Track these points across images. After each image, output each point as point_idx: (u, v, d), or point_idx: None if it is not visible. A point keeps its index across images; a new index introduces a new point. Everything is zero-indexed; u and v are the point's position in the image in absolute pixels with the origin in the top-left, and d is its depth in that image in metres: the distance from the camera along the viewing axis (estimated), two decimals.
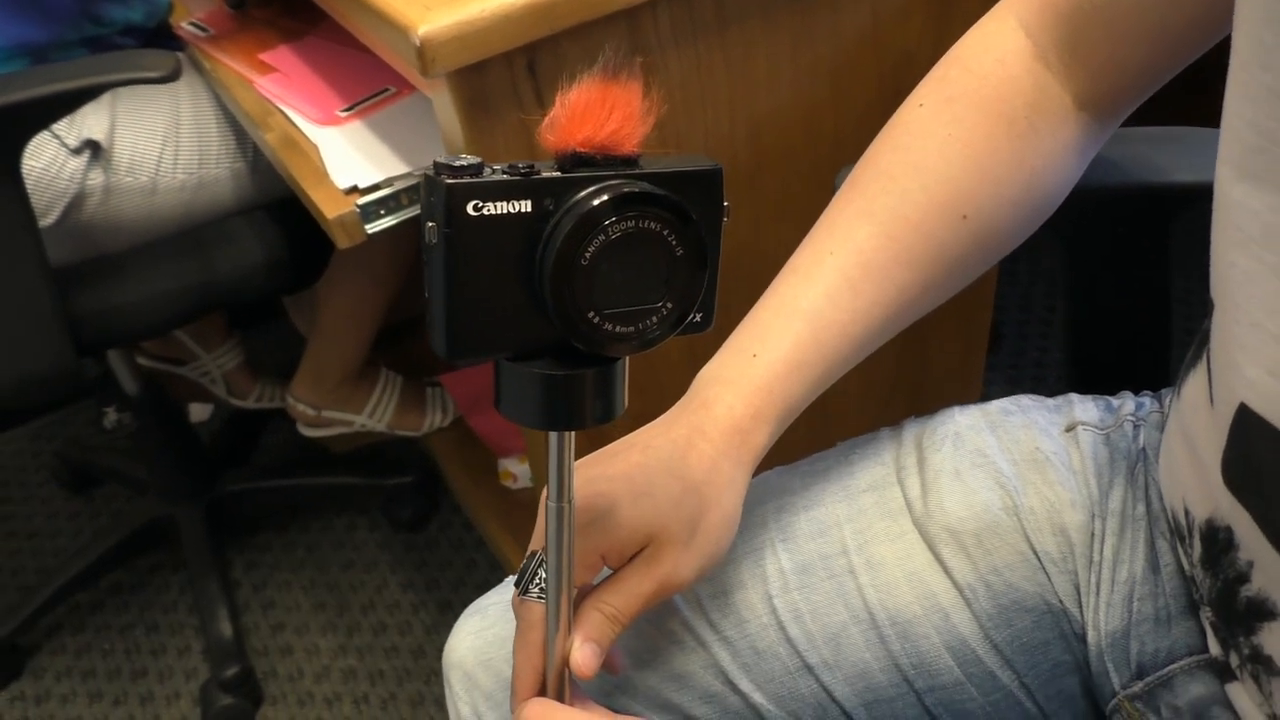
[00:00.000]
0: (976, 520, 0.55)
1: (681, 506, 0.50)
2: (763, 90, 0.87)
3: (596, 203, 0.37)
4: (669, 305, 0.40)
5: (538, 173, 0.38)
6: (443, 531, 1.54)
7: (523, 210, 0.38)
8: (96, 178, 1.01)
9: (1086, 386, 0.63)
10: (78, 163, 1.00)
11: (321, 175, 0.85)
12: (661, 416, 0.55)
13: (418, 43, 0.67)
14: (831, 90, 0.91)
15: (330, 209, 0.81)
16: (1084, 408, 0.59)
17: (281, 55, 1.04)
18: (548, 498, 0.45)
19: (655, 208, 0.38)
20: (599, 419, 0.42)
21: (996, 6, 0.58)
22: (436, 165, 0.37)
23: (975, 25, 0.58)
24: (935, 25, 0.92)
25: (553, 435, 0.43)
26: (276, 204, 1.09)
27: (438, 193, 0.37)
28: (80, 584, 1.47)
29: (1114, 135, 0.59)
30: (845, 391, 1.02)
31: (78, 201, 1.01)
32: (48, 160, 0.98)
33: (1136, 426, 0.57)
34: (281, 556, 1.53)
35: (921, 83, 0.58)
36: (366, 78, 0.96)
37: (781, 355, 0.53)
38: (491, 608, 0.61)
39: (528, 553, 0.50)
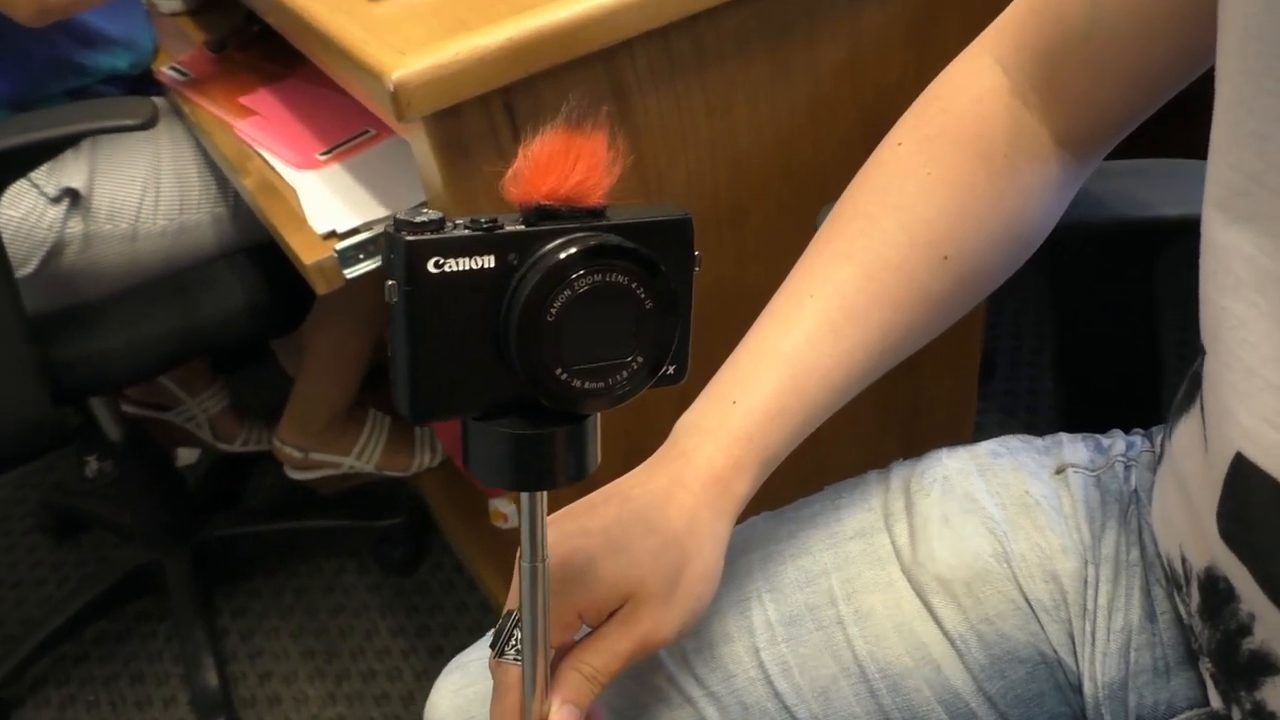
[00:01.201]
0: (967, 568, 0.53)
1: (661, 561, 0.48)
2: (743, 128, 0.86)
3: (561, 256, 0.36)
4: (639, 359, 0.39)
5: (501, 227, 0.37)
6: (433, 574, 1.52)
7: (486, 266, 0.37)
8: (76, 226, 1.00)
9: (1076, 422, 0.62)
10: (57, 211, 0.99)
11: (300, 220, 0.84)
12: (641, 466, 0.53)
13: (391, 88, 0.67)
14: (811, 125, 0.91)
15: (308, 254, 0.80)
16: (1073, 449, 0.58)
17: (261, 98, 1.03)
18: (521, 557, 0.44)
19: (622, 260, 0.37)
20: (571, 478, 0.41)
21: (973, 44, 0.57)
22: (396, 221, 0.36)
23: (953, 63, 0.58)
24: (916, 58, 0.92)
25: (524, 494, 0.42)
26: (258, 247, 1.08)
27: (397, 250, 0.36)
28: (65, 635, 1.44)
29: (1097, 169, 0.59)
30: (834, 424, 1.01)
31: (57, 250, 1.00)
32: (26, 209, 0.97)
33: (1128, 467, 0.56)
34: (270, 602, 1.51)
35: (899, 122, 0.58)
36: (346, 120, 0.96)
37: (761, 403, 0.52)
38: (473, 664, 0.59)
39: (504, 612, 0.48)
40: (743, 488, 0.51)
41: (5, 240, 0.95)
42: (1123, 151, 0.59)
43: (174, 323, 1.02)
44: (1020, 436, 0.60)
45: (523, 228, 0.37)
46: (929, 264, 0.53)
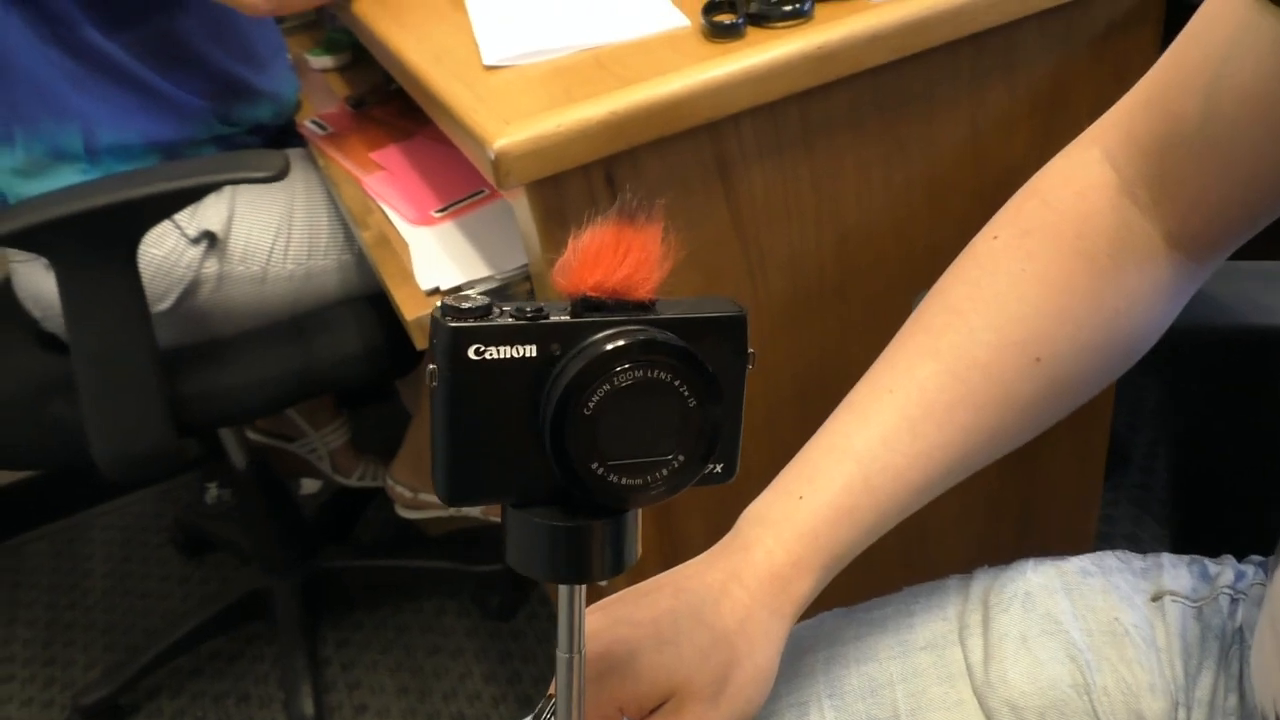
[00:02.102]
0: (1042, 696, 0.49)
1: (709, 658, 0.47)
2: (851, 203, 0.85)
3: (603, 350, 0.36)
4: (681, 457, 0.38)
5: (546, 316, 0.37)
6: (529, 623, 1.53)
7: (528, 355, 0.37)
8: (211, 266, 1.06)
9: (1188, 541, 0.57)
10: (195, 252, 1.05)
11: (407, 275, 0.86)
12: (701, 556, 0.52)
13: (493, 156, 0.68)
14: (927, 204, 0.88)
15: (410, 310, 0.82)
16: (1175, 574, 0.53)
17: (390, 154, 1.07)
18: (557, 648, 0.43)
19: (665, 356, 0.36)
20: (608, 572, 0.40)
21: (1082, 135, 0.54)
22: (443, 305, 0.36)
23: (1060, 154, 0.55)
24: (1041, 140, 0.88)
25: (561, 586, 0.41)
26: (379, 295, 1.12)
27: (440, 335, 0.36)
28: (181, 649, 1.51)
29: (1219, 270, 0.54)
30: (941, 508, 0.96)
31: (192, 288, 1.06)
32: (168, 249, 1.04)
33: (1235, 601, 0.51)
34: (372, 636, 1.55)
35: (997, 214, 0.55)
36: (464, 179, 0.98)
37: (829, 499, 0.50)
38: None
39: (546, 696, 0.48)
40: (803, 588, 0.49)
41: (147, 278, 1.01)
42: (1254, 250, 0.55)
43: (293, 363, 1.07)
44: (1118, 553, 0.56)
45: (567, 319, 0.37)
46: (1018, 365, 0.50)
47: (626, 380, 0.36)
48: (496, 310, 0.37)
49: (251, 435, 1.60)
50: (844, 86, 0.78)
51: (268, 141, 1.16)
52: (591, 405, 0.36)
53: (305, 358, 1.07)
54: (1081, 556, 0.56)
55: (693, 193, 0.78)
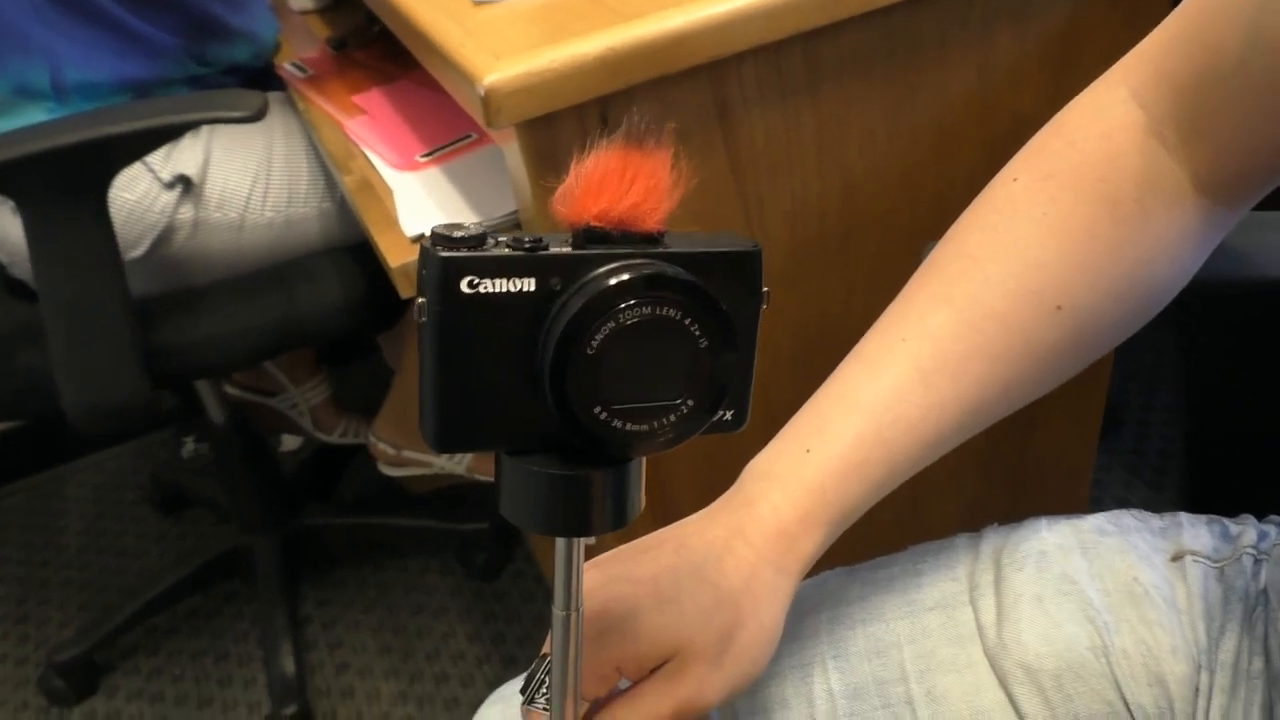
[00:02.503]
0: (1058, 658, 0.47)
1: (713, 618, 0.44)
2: (856, 151, 0.82)
3: (608, 284, 0.33)
4: (690, 402, 0.35)
5: (545, 247, 0.34)
6: (514, 582, 1.51)
7: (525, 289, 0.34)
8: (186, 212, 1.02)
9: (1204, 500, 0.55)
10: (169, 197, 1.01)
11: (392, 221, 0.83)
12: (703, 510, 0.50)
13: (483, 92, 0.65)
14: (934, 154, 0.85)
15: (394, 257, 0.79)
16: (1195, 533, 0.51)
17: (373, 98, 1.03)
18: (554, 604, 0.40)
19: (676, 292, 0.33)
20: (610, 525, 0.37)
21: (1108, 72, 0.51)
22: (433, 234, 0.33)
23: (1084, 92, 0.52)
24: (1052, 87, 0.85)
25: (559, 540, 0.39)
26: (361, 245, 1.09)
27: (430, 265, 0.33)
28: (158, 606, 1.48)
29: (1241, 221, 0.52)
30: (933, 469, 0.94)
31: (166, 235, 1.02)
32: (140, 193, 1.00)
33: (1258, 562, 0.49)
34: (354, 595, 1.52)
35: (1017, 155, 0.52)
36: (450, 123, 0.95)
37: (839, 452, 0.47)
38: (516, 697, 0.56)
39: (539, 655, 0.45)
40: (810, 545, 0.47)
41: (119, 223, 0.97)
42: (1273, 201, 0.52)
43: (272, 314, 1.03)
44: (1134, 512, 0.54)
45: (568, 250, 0.34)
46: (1037, 314, 0.48)
47: (633, 317, 0.33)
48: (492, 241, 0.34)
49: (230, 390, 1.56)
50: (853, 27, 0.75)
51: (245, 83, 1.12)
52: (595, 344, 0.33)
53: (285, 308, 1.04)
54: (1097, 515, 0.53)
55: (690, 137, 0.74)
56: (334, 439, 1.64)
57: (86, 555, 1.67)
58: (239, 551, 1.47)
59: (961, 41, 0.80)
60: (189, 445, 1.36)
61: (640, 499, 0.38)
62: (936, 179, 0.86)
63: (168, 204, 1.01)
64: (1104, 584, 0.49)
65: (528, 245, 0.34)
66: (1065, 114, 0.52)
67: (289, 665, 1.33)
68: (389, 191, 0.87)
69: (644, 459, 0.38)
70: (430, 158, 0.90)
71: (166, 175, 1.00)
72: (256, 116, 0.85)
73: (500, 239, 0.34)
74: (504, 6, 0.75)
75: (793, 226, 0.83)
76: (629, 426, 0.35)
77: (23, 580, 1.64)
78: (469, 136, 0.92)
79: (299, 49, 1.20)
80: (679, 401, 0.35)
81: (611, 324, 0.33)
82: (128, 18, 0.98)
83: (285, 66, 1.13)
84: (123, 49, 0.99)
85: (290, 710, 1.28)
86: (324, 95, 1.06)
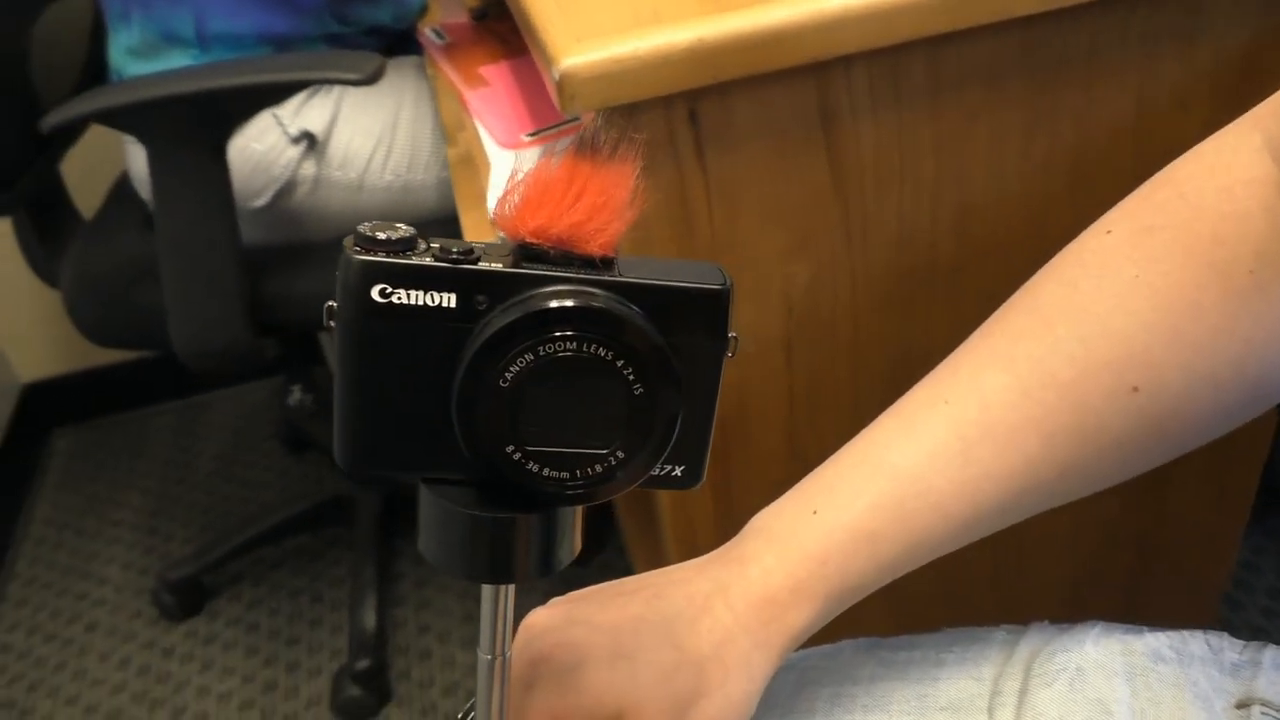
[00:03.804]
0: None
1: (670, 682, 0.40)
2: (979, 175, 0.74)
3: (529, 311, 0.29)
4: (620, 454, 0.31)
5: (475, 260, 0.30)
6: (603, 572, 1.49)
7: (445, 305, 0.30)
8: (309, 168, 1.04)
9: None
10: (294, 151, 1.03)
11: (480, 198, 0.81)
12: (698, 559, 0.45)
13: (558, 76, 0.61)
14: (1071, 186, 0.76)
15: (474, 237, 0.77)
16: (1276, 677, 0.43)
17: (499, 70, 1.02)
18: (479, 646, 0.37)
19: (604, 328, 0.29)
20: (533, 573, 0.34)
21: (1242, 117, 0.43)
22: (356, 234, 0.30)
23: (1210, 138, 0.44)
24: (1223, 121, 0.74)
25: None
26: None
27: (344, 268, 0.30)
28: (268, 539, 1.55)
29: None
30: (1048, 530, 0.84)
31: (288, 188, 1.04)
32: (269, 145, 1.02)
33: None
34: None
35: (1121, 203, 0.45)
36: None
37: (849, 519, 0.42)
38: None
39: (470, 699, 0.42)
40: (799, 620, 0.42)
41: (246, 171, 1.00)
42: None
43: None
44: (1211, 636, 0.46)
45: (498, 267, 0.30)
46: (1109, 392, 0.41)
47: (555, 352, 0.29)
48: (423, 246, 0.31)
49: None
50: (986, 36, 0.67)
51: (385, 45, 1.13)
52: (510, 376, 0.29)
53: None
54: (1161, 632, 0.45)
55: (789, 143, 0.69)
56: None
57: (215, 480, 1.76)
58: (345, 500, 1.51)
59: (1116, 60, 0.71)
60: (295, 394, 1.41)
61: (573, 544, 0.35)
62: (1072, 215, 0.76)
63: (292, 158, 1.03)
64: None
65: (455, 255, 0.30)
66: (1182, 161, 0.44)
67: (370, 620, 1.36)
68: (489, 167, 0.85)
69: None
70: (535, 137, 0.88)
71: (294, 130, 1.02)
72: (369, 81, 0.85)
73: (433, 245, 0.31)
74: None
75: (899, 250, 0.76)
76: (547, 472, 0.31)
77: (158, 495, 1.75)
78: (577, 118, 0.89)
79: (446, 14, 1.20)
80: (607, 451, 0.31)
81: (531, 356, 0.29)
82: None
83: (425, 32, 1.13)
84: (266, 3, 1.01)
85: (364, 664, 1.31)
86: (453, 64, 1.05)
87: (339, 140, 1.04)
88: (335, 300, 0.30)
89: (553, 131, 0.88)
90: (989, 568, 0.97)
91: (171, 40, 1.00)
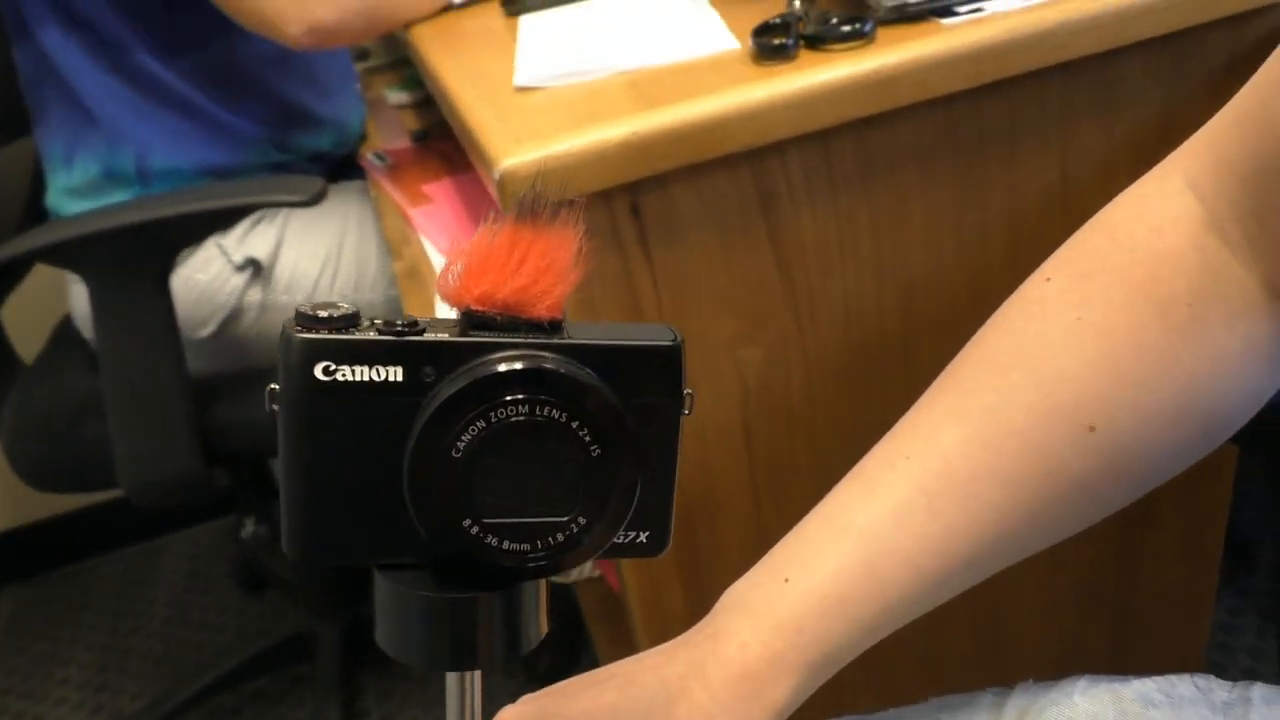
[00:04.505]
0: None
1: None
2: (918, 251, 0.75)
3: (477, 377, 0.28)
4: (581, 520, 0.30)
5: (420, 332, 0.30)
6: None
7: (391, 379, 0.29)
8: (255, 294, 1.03)
9: None
10: (239, 279, 1.02)
11: (429, 309, 0.81)
12: (667, 643, 0.43)
13: (498, 176, 0.62)
14: (1008, 256, 0.78)
15: None
16: (1270, 714, 0.42)
17: (442, 187, 1.03)
18: None
19: (557, 389, 0.29)
20: (499, 658, 0.32)
21: (1162, 162, 0.45)
22: (296, 312, 0.30)
23: (1134, 184, 0.45)
24: None
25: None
26: None
27: (286, 348, 0.29)
28: (225, 685, 1.48)
29: None
30: (1026, 604, 0.83)
31: (234, 316, 1.03)
32: (213, 274, 1.01)
33: None
34: (415, 689, 1.48)
35: (1055, 253, 0.46)
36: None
37: (820, 584, 0.41)
38: None
39: None
40: (782, 692, 0.40)
41: (190, 303, 0.99)
42: None
43: None
44: (1199, 679, 0.45)
45: (445, 337, 0.30)
46: (1066, 434, 0.41)
47: (510, 417, 0.29)
48: (367, 323, 0.30)
49: None
50: (908, 117, 0.69)
51: (328, 172, 1.14)
52: (462, 446, 0.29)
53: None
54: (1148, 679, 0.45)
55: (731, 230, 0.70)
56: None
57: (169, 627, 1.69)
58: (304, 636, 1.45)
59: (1037, 133, 0.73)
60: (249, 526, 1.37)
61: (541, 623, 0.33)
62: (1012, 280, 0.79)
63: (237, 286, 1.02)
64: None
65: (399, 329, 0.30)
66: (1110, 208, 0.45)
67: None
68: (435, 277, 0.86)
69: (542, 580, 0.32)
70: None
71: (238, 258, 1.02)
72: (311, 201, 0.86)
73: (375, 321, 0.30)
74: (544, 94, 0.73)
75: (847, 328, 0.77)
76: (507, 545, 0.30)
77: (105, 649, 1.67)
78: None
79: (386, 140, 1.22)
80: (568, 519, 0.30)
81: (482, 424, 0.29)
82: (215, 109, 1.02)
83: (367, 156, 1.15)
84: (208, 137, 1.02)
85: None
86: (396, 184, 1.06)
87: (284, 265, 1.04)
88: (277, 382, 0.30)
89: None
90: (971, 645, 0.95)
91: (113, 178, 1.00)
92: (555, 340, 0.30)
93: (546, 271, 0.30)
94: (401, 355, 0.29)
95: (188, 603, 1.74)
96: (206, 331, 1.02)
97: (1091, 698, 0.43)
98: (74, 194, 1.01)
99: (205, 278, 1.01)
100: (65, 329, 1.16)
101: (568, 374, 0.29)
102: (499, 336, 0.30)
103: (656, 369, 0.31)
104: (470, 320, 0.30)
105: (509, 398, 0.28)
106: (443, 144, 1.18)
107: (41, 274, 1.18)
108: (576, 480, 0.29)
